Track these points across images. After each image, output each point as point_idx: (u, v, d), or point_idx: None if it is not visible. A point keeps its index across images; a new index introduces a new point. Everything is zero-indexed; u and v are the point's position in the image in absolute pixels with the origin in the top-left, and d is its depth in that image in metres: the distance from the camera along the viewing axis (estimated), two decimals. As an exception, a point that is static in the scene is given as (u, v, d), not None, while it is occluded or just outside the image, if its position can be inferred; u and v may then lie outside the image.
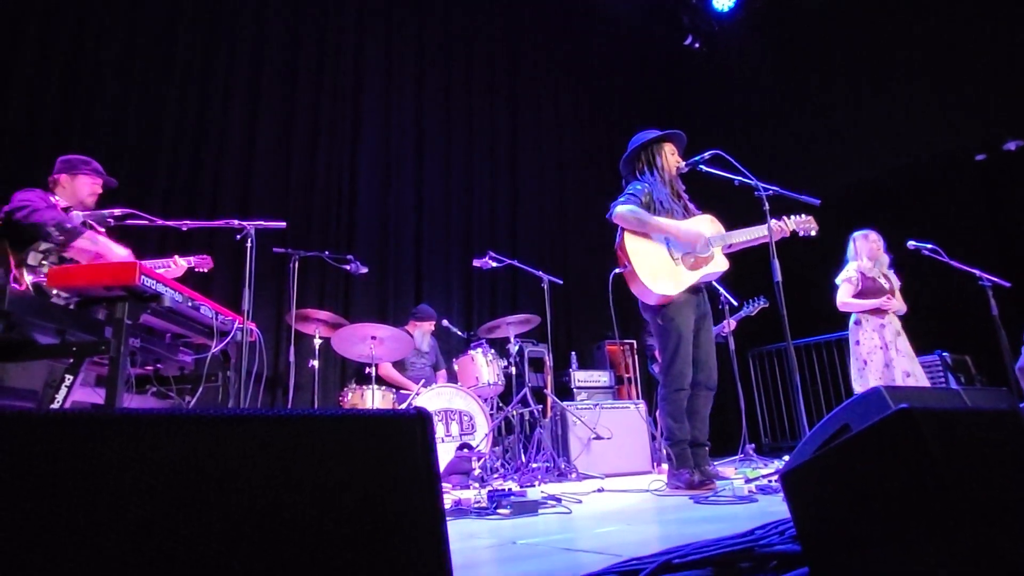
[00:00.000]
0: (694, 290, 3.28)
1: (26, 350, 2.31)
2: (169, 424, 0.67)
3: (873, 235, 4.46)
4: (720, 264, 3.28)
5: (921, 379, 4.19)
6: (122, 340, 2.28)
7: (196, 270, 3.46)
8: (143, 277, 2.33)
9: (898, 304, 4.28)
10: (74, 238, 2.75)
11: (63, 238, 2.71)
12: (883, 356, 4.15)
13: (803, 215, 3.34)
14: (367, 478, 0.77)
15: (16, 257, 2.66)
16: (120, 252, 2.95)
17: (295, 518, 0.70)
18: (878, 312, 4.24)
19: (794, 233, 3.34)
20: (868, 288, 4.29)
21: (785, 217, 3.32)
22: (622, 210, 3.26)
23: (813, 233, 3.37)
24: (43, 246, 2.69)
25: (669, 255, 3.25)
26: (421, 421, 0.84)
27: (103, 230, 3.07)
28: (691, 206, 3.47)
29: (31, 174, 4.26)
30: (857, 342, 4.30)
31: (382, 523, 0.75)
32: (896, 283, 4.39)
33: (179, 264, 3.33)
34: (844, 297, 4.35)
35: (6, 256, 2.69)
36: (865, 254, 4.41)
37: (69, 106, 4.59)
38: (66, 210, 2.95)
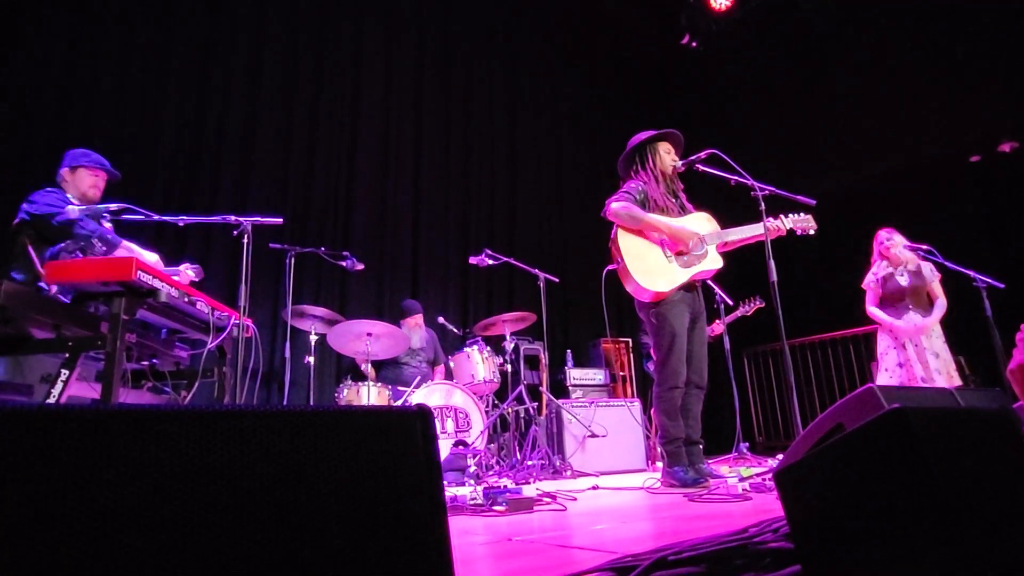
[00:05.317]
0: (688, 288, 3.29)
1: (22, 344, 2.31)
2: (170, 419, 0.68)
3: (882, 234, 4.41)
4: (714, 261, 3.29)
5: (946, 378, 4.05)
6: (118, 335, 2.28)
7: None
8: (139, 273, 2.33)
9: (929, 319, 4.11)
10: (114, 248, 2.80)
11: (105, 248, 2.76)
12: (896, 356, 4.13)
13: (801, 213, 3.37)
14: (368, 474, 0.77)
15: (39, 256, 2.67)
16: (151, 258, 2.98)
17: (297, 513, 0.71)
18: (898, 312, 4.18)
19: (791, 231, 3.37)
20: (889, 290, 4.25)
21: (782, 215, 3.35)
22: (616, 207, 3.29)
23: (812, 232, 3.39)
24: (71, 247, 2.70)
25: (662, 252, 3.26)
26: (422, 417, 0.85)
27: (110, 226, 3.06)
28: (688, 205, 3.49)
29: (29, 168, 4.28)
30: (877, 341, 4.32)
31: (384, 518, 0.76)
32: (931, 277, 4.22)
33: (187, 275, 3.30)
34: (868, 305, 4.34)
35: (29, 255, 2.71)
36: (876, 256, 4.40)
37: (67, 100, 4.56)
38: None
